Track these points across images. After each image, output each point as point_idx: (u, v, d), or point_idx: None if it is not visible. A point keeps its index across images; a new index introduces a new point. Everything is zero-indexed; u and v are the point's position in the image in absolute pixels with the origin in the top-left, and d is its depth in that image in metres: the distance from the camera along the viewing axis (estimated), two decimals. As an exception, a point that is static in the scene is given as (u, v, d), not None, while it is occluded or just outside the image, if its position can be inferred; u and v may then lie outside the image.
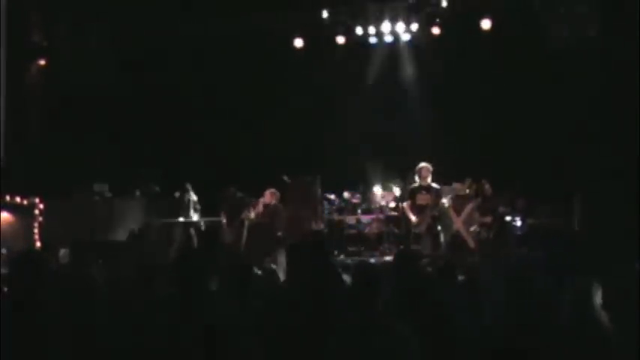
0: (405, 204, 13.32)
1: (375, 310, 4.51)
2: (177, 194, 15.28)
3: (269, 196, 14.01)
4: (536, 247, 10.59)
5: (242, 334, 4.63)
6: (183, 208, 15.14)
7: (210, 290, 5.35)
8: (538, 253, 9.79)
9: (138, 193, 15.64)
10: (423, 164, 13.09)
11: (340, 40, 16.08)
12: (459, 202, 14.03)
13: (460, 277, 8.17)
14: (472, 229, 13.51)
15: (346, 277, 6.31)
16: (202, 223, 15.14)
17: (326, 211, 15.21)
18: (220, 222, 14.31)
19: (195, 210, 15.17)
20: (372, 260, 13.58)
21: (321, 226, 14.84)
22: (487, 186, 13.00)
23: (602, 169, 12.85)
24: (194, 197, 15.18)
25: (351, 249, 14.69)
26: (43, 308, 4.60)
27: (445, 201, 13.22)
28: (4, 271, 9.94)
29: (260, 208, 14.00)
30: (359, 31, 16.02)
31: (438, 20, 15.52)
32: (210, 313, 4.62)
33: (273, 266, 8.12)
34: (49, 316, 4.63)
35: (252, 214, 13.93)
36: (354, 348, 4.40)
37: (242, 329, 4.65)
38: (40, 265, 4.87)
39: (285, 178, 15.07)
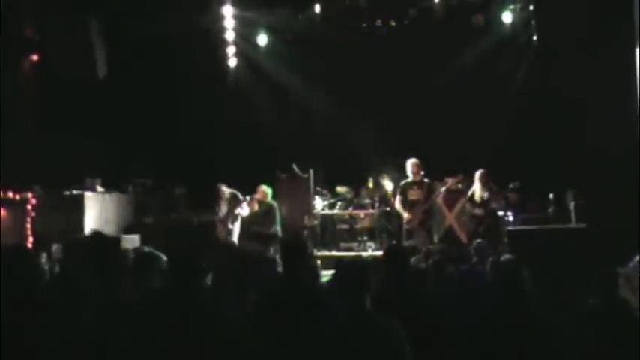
0: (396, 200, 13.37)
1: (363, 306, 4.52)
2: (168, 191, 15.30)
3: (262, 193, 14.02)
4: (526, 247, 10.59)
5: (238, 326, 4.63)
6: (174, 205, 15.15)
7: (205, 284, 5.35)
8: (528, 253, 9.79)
9: (130, 188, 15.62)
10: (414, 160, 13.14)
11: (333, 34, 16.09)
12: (451, 197, 14.08)
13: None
14: (464, 219, 13.60)
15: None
16: (195, 219, 15.12)
17: (318, 207, 15.20)
18: (213, 218, 14.29)
19: (187, 206, 15.18)
20: (364, 255, 13.61)
21: (314, 221, 14.85)
22: (482, 175, 13.06)
23: (599, 164, 12.85)
24: (185, 193, 15.21)
25: (343, 244, 14.69)
26: (32, 304, 4.60)
27: (439, 198, 13.30)
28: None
29: (255, 205, 14.01)
30: (352, 26, 16.04)
31: (430, 15, 15.56)
32: (206, 307, 4.63)
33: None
34: (38, 312, 4.63)
35: (246, 212, 13.93)
36: (342, 344, 4.42)
37: (238, 322, 4.65)
38: (28, 261, 4.86)
39: (278, 173, 15.09)
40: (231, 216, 13.93)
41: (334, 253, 14.21)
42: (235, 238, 13.90)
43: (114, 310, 5.13)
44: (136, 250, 8.15)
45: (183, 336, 4.48)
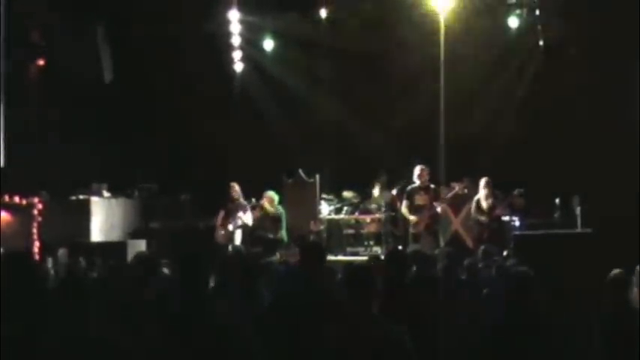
0: (403, 204, 13.36)
1: (368, 311, 4.52)
2: (174, 196, 15.33)
3: (269, 199, 14.03)
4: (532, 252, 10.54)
5: (243, 330, 4.63)
6: (180, 210, 15.17)
7: (209, 289, 5.35)
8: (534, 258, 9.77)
9: (136, 193, 15.64)
10: (421, 166, 13.15)
11: (340, 38, 16.05)
12: (457, 202, 14.07)
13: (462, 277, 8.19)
14: (469, 223, 13.60)
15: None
16: (201, 224, 15.14)
17: (324, 211, 15.17)
18: (214, 223, 14.27)
19: (193, 211, 15.19)
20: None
21: (320, 226, 14.83)
22: (486, 183, 13.04)
23: (604, 168, 12.83)
24: (190, 198, 15.24)
25: (349, 249, 14.67)
26: (37, 311, 4.60)
27: (439, 207, 13.24)
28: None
29: (257, 212, 14.04)
30: (358, 29, 15.99)
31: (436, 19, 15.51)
32: (211, 311, 4.63)
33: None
34: (44, 317, 4.63)
35: (250, 220, 13.92)
36: (347, 347, 4.42)
37: (244, 325, 4.65)
38: (31, 268, 4.86)
39: (284, 178, 15.07)
40: (233, 219, 13.90)
41: (340, 257, 14.16)
42: (238, 242, 13.89)
43: (118, 314, 5.14)
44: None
45: (189, 338, 4.48)
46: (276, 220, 14.01)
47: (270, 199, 14.06)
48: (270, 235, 13.81)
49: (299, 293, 5.57)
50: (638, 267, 7.55)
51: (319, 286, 5.63)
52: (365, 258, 13.36)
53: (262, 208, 14.13)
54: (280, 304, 5.60)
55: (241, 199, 14.04)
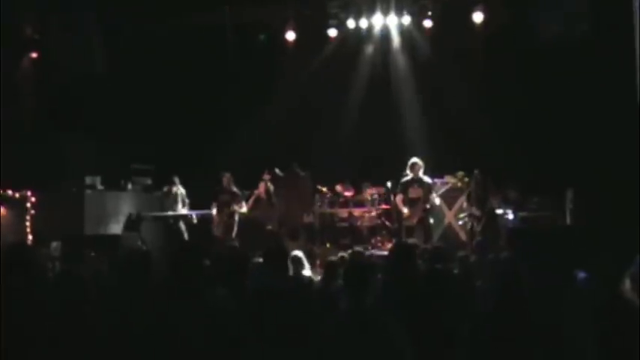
0: (397, 197, 13.38)
1: (363, 305, 4.54)
2: (165, 188, 15.29)
3: (263, 188, 14.08)
4: (526, 245, 10.55)
5: (237, 324, 4.64)
6: (171, 202, 15.16)
7: (204, 282, 5.36)
8: (527, 251, 9.76)
9: (130, 186, 15.61)
10: (415, 159, 13.17)
11: (332, 33, 16.02)
12: (451, 195, 14.08)
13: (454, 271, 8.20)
14: (462, 215, 13.60)
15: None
16: (194, 217, 15.15)
17: (318, 205, 15.18)
18: (211, 215, 14.31)
19: (184, 203, 15.18)
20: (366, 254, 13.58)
21: (313, 219, 14.85)
22: (479, 175, 13.05)
23: (597, 163, 12.85)
24: (182, 190, 15.20)
25: (342, 242, 14.65)
26: (34, 303, 4.61)
27: (436, 199, 13.23)
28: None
29: (251, 202, 14.07)
30: (351, 24, 15.95)
31: (429, 13, 15.49)
32: (205, 304, 4.64)
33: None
34: (40, 310, 4.64)
35: (244, 209, 13.94)
36: (341, 342, 4.43)
37: (237, 319, 4.66)
38: (30, 260, 4.87)
39: (278, 171, 15.06)
40: (228, 212, 13.93)
41: (334, 250, 14.15)
42: (232, 235, 13.92)
43: (114, 304, 5.15)
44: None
45: (183, 329, 4.49)
46: (269, 210, 14.11)
47: (264, 187, 14.13)
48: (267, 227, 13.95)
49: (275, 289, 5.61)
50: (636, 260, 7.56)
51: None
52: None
53: (258, 195, 14.19)
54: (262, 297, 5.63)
55: (234, 190, 14.07)
